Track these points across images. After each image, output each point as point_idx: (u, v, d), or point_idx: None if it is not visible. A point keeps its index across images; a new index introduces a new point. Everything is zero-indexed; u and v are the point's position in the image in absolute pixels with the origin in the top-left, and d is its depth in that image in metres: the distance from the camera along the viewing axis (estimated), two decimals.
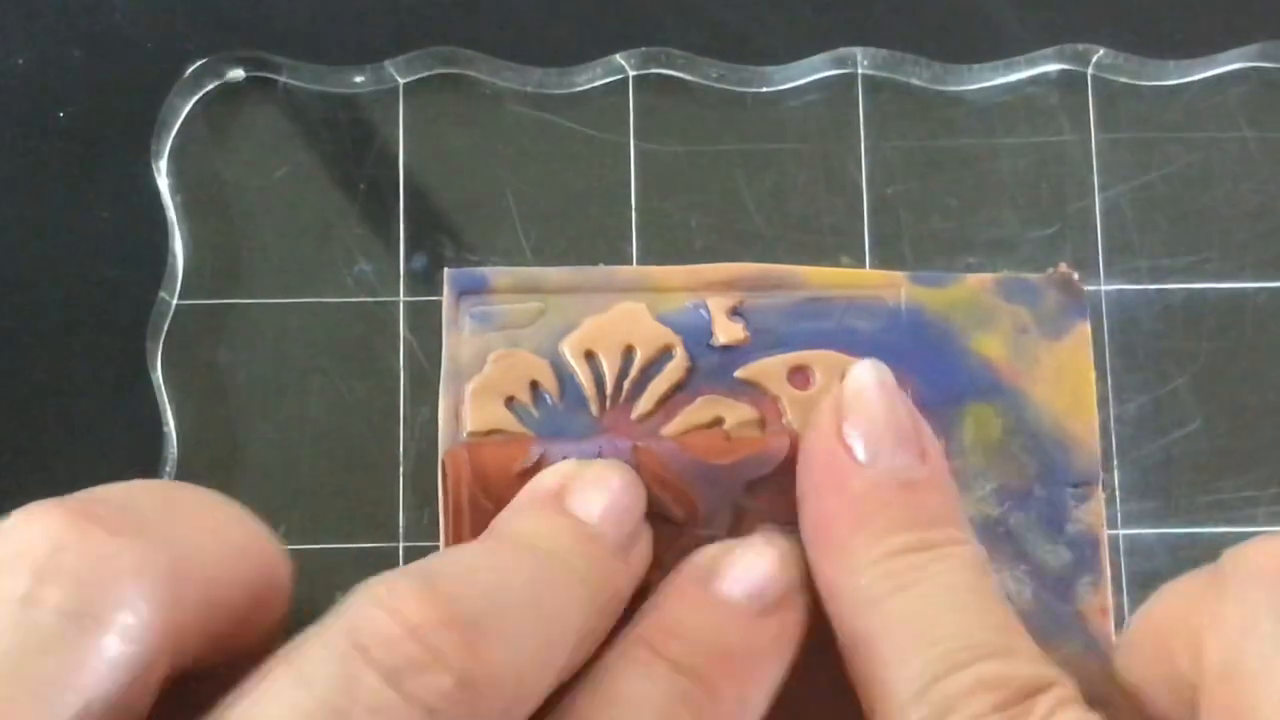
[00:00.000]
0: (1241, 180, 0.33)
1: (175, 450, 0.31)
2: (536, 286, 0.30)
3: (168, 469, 0.31)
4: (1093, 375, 0.30)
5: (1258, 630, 0.20)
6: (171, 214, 0.32)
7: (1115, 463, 0.31)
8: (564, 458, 0.27)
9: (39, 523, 0.18)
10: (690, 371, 0.30)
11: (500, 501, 0.26)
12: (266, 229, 0.32)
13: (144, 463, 0.31)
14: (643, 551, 0.25)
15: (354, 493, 0.31)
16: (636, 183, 0.33)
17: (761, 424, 0.29)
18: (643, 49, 0.33)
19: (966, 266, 0.32)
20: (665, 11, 0.33)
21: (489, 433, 0.29)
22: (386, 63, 0.33)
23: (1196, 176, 0.33)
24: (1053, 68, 0.33)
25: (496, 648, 0.20)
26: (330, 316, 0.32)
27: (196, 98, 0.33)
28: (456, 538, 0.27)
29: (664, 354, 0.30)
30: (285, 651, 0.19)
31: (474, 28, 0.33)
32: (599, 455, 0.27)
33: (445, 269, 0.31)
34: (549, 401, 0.29)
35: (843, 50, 0.33)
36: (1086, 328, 0.30)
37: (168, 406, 0.31)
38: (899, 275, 0.31)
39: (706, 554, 0.25)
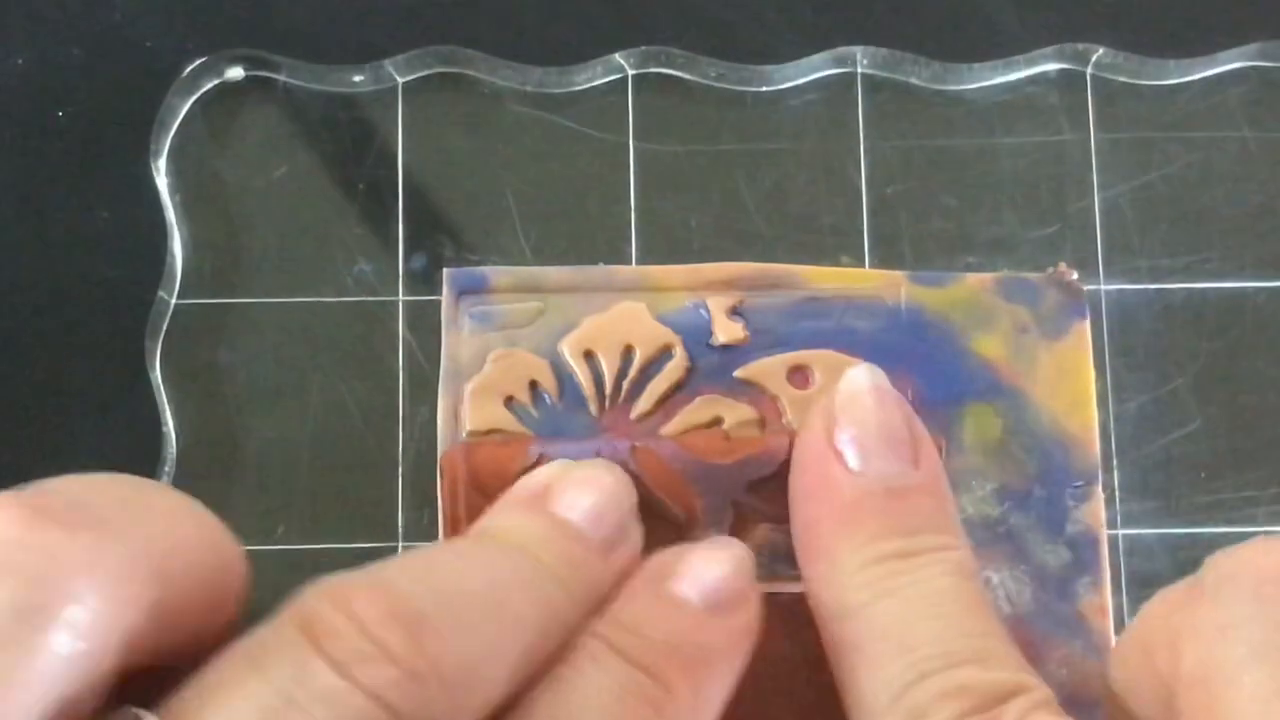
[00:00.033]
0: (1241, 180, 0.33)
1: (175, 450, 0.31)
2: (536, 286, 0.30)
3: (167, 469, 0.31)
4: (1092, 375, 0.30)
5: (1232, 635, 0.21)
6: (171, 214, 0.32)
7: (1115, 463, 0.31)
8: (562, 458, 0.27)
9: None
10: (690, 371, 0.30)
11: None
12: (266, 229, 0.32)
13: (143, 462, 0.31)
14: (629, 550, 0.25)
15: (353, 493, 0.31)
16: (636, 182, 0.33)
17: (761, 424, 0.29)
18: (643, 48, 0.33)
19: (966, 266, 0.32)
20: (665, 11, 0.33)
21: (488, 432, 0.29)
22: (386, 62, 0.33)
23: (1196, 176, 0.33)
24: (1052, 67, 0.33)
25: (443, 642, 0.20)
26: (330, 316, 0.32)
27: (196, 97, 0.33)
28: (452, 538, 0.27)
29: (663, 354, 0.30)
30: (239, 643, 0.19)
31: (474, 27, 0.33)
32: (598, 456, 0.27)
33: (445, 269, 0.31)
34: (548, 401, 0.29)
35: (842, 50, 0.33)
36: (1086, 327, 0.30)
37: (167, 406, 0.31)
38: (899, 275, 0.31)
39: (664, 556, 0.25)
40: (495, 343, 0.30)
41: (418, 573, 0.21)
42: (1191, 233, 0.33)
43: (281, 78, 0.33)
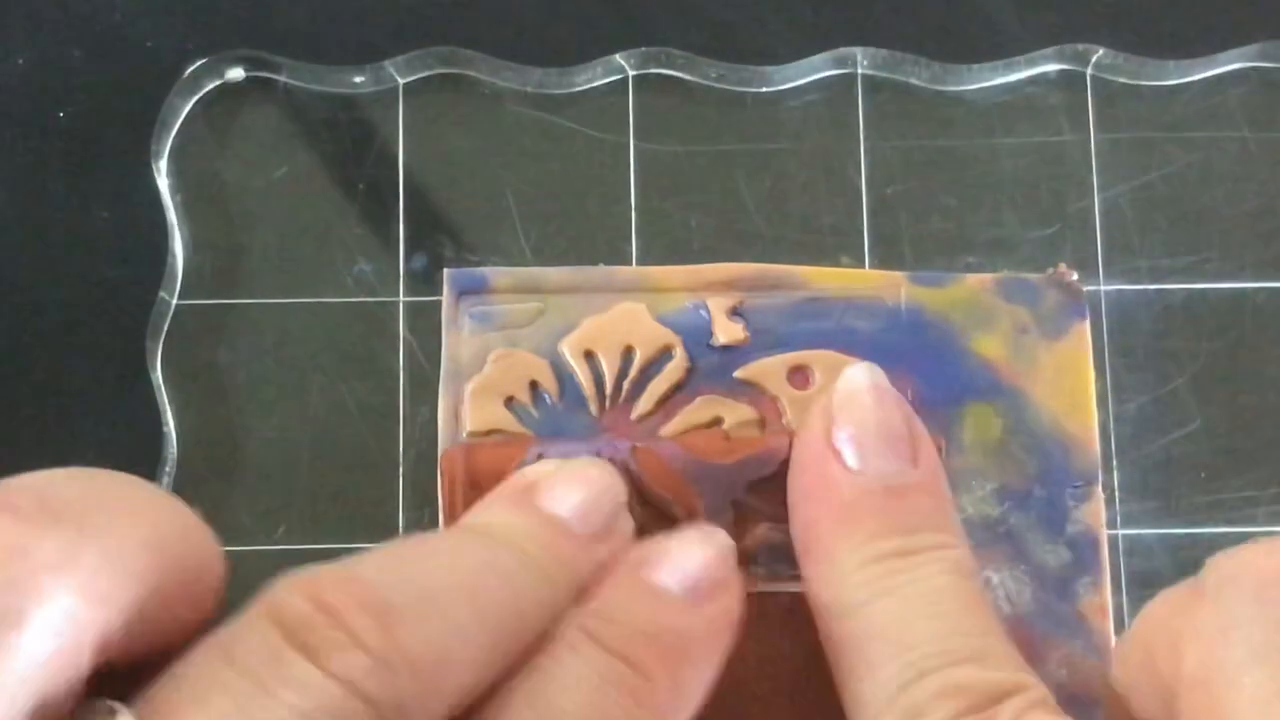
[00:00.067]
0: (1241, 180, 0.33)
1: (175, 450, 0.31)
2: (536, 286, 0.30)
3: (167, 469, 0.31)
4: (1092, 375, 0.30)
5: (1232, 636, 0.21)
6: (171, 214, 0.32)
7: (1115, 463, 0.31)
8: (562, 459, 0.27)
9: None
10: (690, 371, 0.30)
11: None
12: (266, 229, 0.32)
13: (143, 463, 0.31)
14: (618, 543, 0.25)
15: (354, 493, 0.31)
16: (636, 183, 0.33)
17: (761, 424, 0.29)
18: (643, 49, 0.33)
19: (966, 266, 0.32)
20: (665, 11, 0.33)
21: (488, 433, 0.29)
22: (386, 63, 0.33)
23: (1196, 176, 0.33)
24: (1052, 68, 0.33)
25: (413, 630, 0.20)
26: (330, 316, 0.32)
27: (196, 98, 0.33)
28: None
29: (664, 354, 0.30)
30: (212, 636, 0.19)
31: (474, 28, 0.33)
32: (598, 456, 0.27)
33: (445, 269, 0.31)
34: (548, 401, 0.29)
35: (842, 50, 0.33)
36: (1086, 328, 0.30)
37: (167, 406, 0.31)
38: (899, 275, 0.31)
39: (645, 545, 0.25)
40: (495, 343, 0.30)
41: (389, 564, 0.21)
42: (1191, 233, 0.33)
43: (282, 78, 0.33)
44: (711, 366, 0.30)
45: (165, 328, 0.32)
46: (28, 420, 0.31)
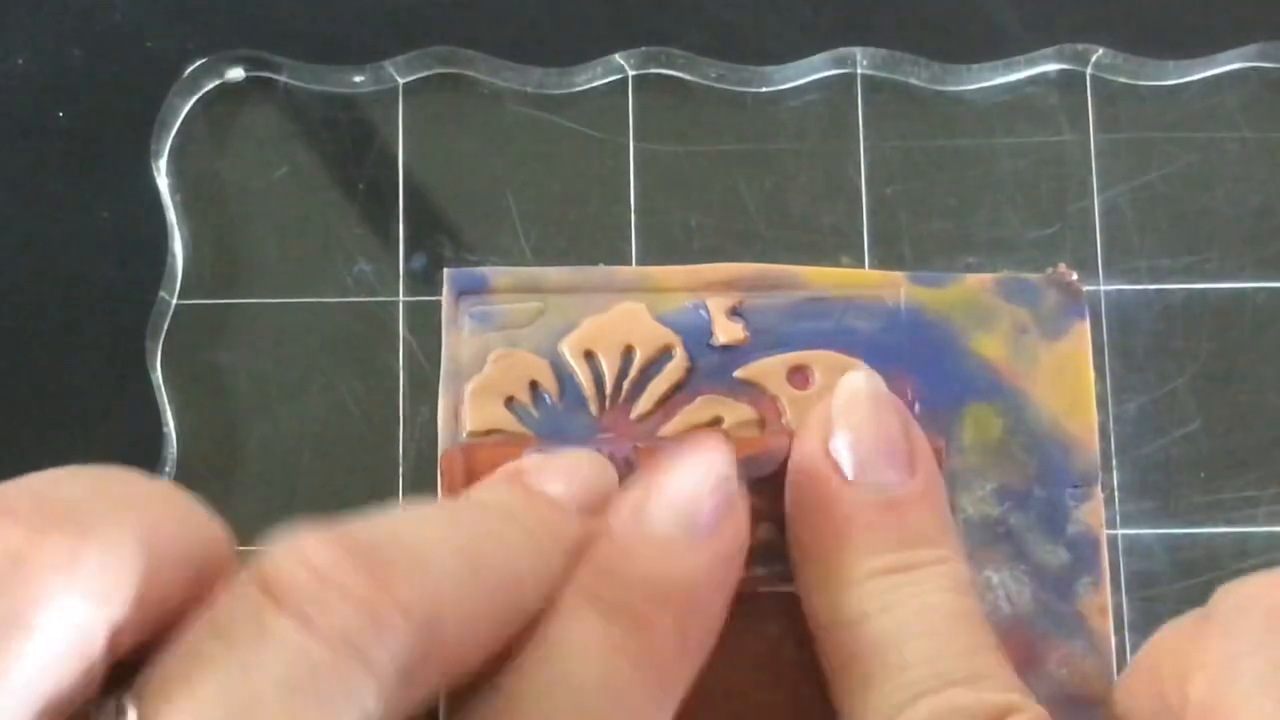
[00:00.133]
0: (1241, 180, 0.33)
1: (175, 450, 0.31)
2: (536, 286, 0.30)
3: (167, 469, 0.31)
4: (1092, 375, 0.30)
5: (1241, 665, 0.21)
6: (171, 214, 0.32)
7: (1114, 463, 0.31)
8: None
9: None
10: (690, 371, 0.30)
11: None
12: (266, 229, 0.32)
13: (143, 463, 0.31)
14: None
15: (354, 493, 0.31)
16: (636, 183, 0.33)
17: (761, 424, 0.29)
18: (643, 49, 0.33)
19: (966, 266, 0.32)
20: (665, 11, 0.33)
21: (488, 433, 0.29)
22: (386, 63, 0.33)
23: (1196, 176, 0.33)
24: (1052, 68, 0.33)
25: (405, 579, 0.19)
26: (330, 316, 0.32)
27: (196, 97, 0.33)
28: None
29: (664, 354, 0.30)
30: (204, 613, 0.19)
31: (474, 28, 0.33)
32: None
33: (445, 269, 0.31)
34: (548, 401, 0.29)
35: (842, 50, 0.33)
36: (1086, 328, 0.30)
37: (167, 406, 0.31)
38: (899, 275, 0.31)
39: (641, 484, 0.24)
40: (495, 343, 0.30)
41: (379, 523, 0.21)
42: (1191, 233, 0.33)
43: (282, 78, 0.33)
44: (711, 366, 0.30)
45: (165, 327, 0.32)
46: (28, 420, 0.31)
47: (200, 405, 0.31)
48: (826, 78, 0.33)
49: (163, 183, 0.32)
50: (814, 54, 0.33)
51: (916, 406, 0.29)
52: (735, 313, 0.30)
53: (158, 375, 0.31)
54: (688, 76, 0.33)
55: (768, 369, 0.30)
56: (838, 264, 0.32)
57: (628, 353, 0.30)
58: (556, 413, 0.29)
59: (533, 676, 0.22)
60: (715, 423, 0.29)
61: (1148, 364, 0.32)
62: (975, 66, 0.33)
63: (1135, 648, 0.30)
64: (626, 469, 0.27)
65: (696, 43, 0.33)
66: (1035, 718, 0.23)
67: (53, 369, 0.31)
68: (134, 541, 0.19)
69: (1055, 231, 0.32)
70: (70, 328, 0.32)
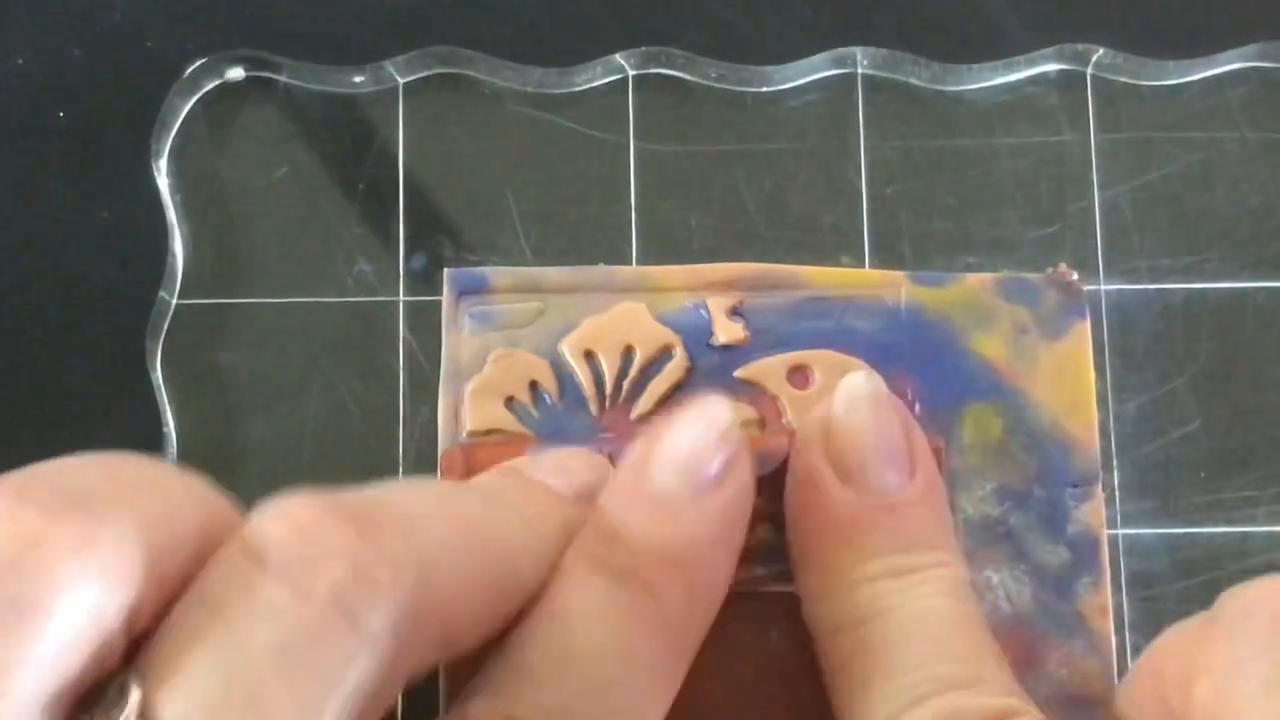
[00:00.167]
0: (1241, 180, 0.33)
1: (175, 450, 0.31)
2: (536, 286, 0.30)
3: None
4: (1092, 375, 0.30)
5: (1246, 669, 0.21)
6: (171, 214, 0.32)
7: (1115, 463, 0.31)
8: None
9: None
10: (690, 371, 0.30)
11: None
12: (266, 229, 0.32)
13: None
14: None
15: None
16: (636, 183, 0.33)
17: (761, 424, 0.29)
18: (643, 49, 0.33)
19: (966, 266, 0.32)
20: (665, 11, 0.33)
21: (488, 432, 0.29)
22: (386, 63, 0.33)
23: (1196, 176, 0.33)
24: (1052, 68, 0.33)
25: (391, 536, 0.19)
26: (330, 316, 0.32)
27: (196, 97, 0.33)
28: None
29: (664, 354, 0.30)
30: (195, 584, 0.19)
31: (474, 28, 0.33)
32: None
33: (445, 269, 0.31)
34: (548, 401, 0.29)
35: (842, 50, 0.33)
36: (1086, 327, 0.30)
37: (167, 406, 0.31)
38: (899, 275, 0.31)
39: (641, 441, 0.24)
40: (495, 343, 0.30)
41: (365, 490, 0.21)
42: (1191, 233, 0.33)
43: (282, 78, 0.33)
44: (711, 366, 0.30)
45: (165, 327, 0.32)
46: (28, 420, 0.31)
47: (200, 405, 0.31)
48: (826, 78, 0.33)
49: (163, 183, 0.32)
50: (814, 54, 0.33)
51: (916, 406, 0.29)
52: (735, 312, 0.30)
53: (158, 375, 0.31)
54: (688, 76, 0.33)
55: (768, 369, 0.30)
56: (838, 264, 0.32)
57: (628, 353, 0.30)
58: (556, 413, 0.29)
59: (544, 645, 0.22)
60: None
61: (1148, 364, 0.32)
62: (975, 66, 0.33)
63: (1135, 648, 0.30)
64: None
65: (696, 43, 0.33)
66: None
67: (53, 369, 0.31)
68: (147, 524, 0.19)
69: (1055, 231, 0.32)
70: (70, 328, 0.32)
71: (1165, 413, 0.32)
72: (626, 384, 0.29)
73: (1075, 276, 0.31)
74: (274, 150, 0.33)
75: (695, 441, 0.24)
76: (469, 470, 0.28)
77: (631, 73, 0.33)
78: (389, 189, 0.33)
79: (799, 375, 0.30)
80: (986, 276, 0.31)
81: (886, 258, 0.32)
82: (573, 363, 0.30)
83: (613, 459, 0.27)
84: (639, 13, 0.33)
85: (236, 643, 0.18)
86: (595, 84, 0.33)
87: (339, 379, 0.32)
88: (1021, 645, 0.28)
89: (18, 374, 0.31)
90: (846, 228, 0.32)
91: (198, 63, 0.33)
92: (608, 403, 0.29)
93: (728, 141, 0.33)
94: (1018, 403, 0.30)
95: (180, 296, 0.32)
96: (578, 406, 0.29)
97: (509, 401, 0.29)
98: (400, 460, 0.31)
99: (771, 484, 0.27)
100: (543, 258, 0.32)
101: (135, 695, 0.18)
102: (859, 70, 0.33)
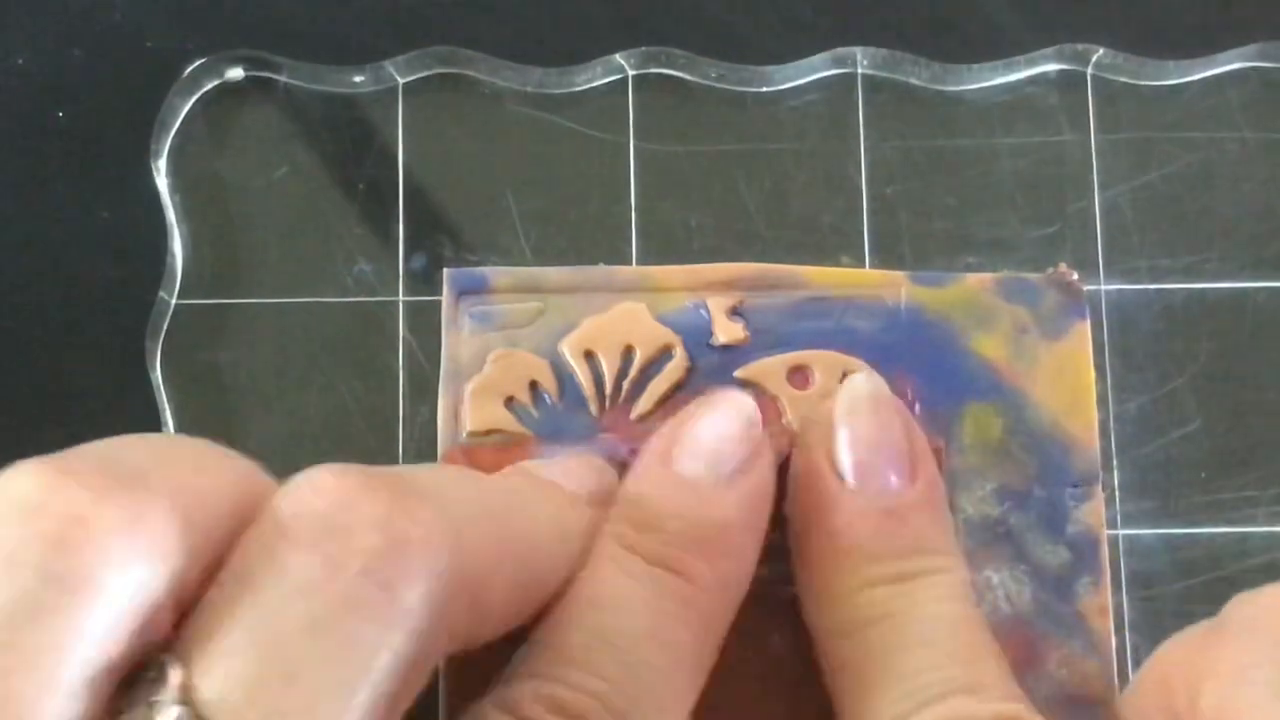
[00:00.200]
0: (1241, 180, 0.33)
1: None
2: (536, 286, 0.30)
3: None
4: (1092, 375, 0.30)
5: (1253, 675, 0.21)
6: (171, 214, 0.32)
7: (1115, 463, 0.31)
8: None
9: (17, 484, 0.18)
10: (690, 371, 0.30)
11: None
12: (266, 229, 0.32)
13: None
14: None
15: None
16: (636, 183, 0.33)
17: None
18: (643, 49, 0.33)
19: (966, 266, 0.32)
20: (665, 11, 0.33)
21: (488, 433, 0.29)
22: (386, 63, 0.33)
23: (1196, 176, 0.33)
24: (1052, 68, 0.33)
25: (425, 506, 0.19)
26: (330, 316, 0.32)
27: (196, 97, 0.33)
28: None
29: (664, 354, 0.30)
30: (229, 561, 0.19)
31: (474, 28, 0.33)
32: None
33: (445, 269, 0.31)
34: (548, 401, 0.29)
35: (842, 50, 0.33)
36: (1086, 328, 0.30)
37: (167, 406, 0.31)
38: (899, 275, 0.31)
39: (663, 431, 0.25)
40: (495, 343, 0.30)
41: (392, 468, 0.21)
42: (1191, 233, 0.33)
43: (282, 78, 0.33)
44: (711, 366, 0.30)
45: (165, 327, 0.32)
46: (28, 420, 0.31)
47: (200, 405, 0.31)
48: (826, 78, 0.33)
49: (163, 183, 0.32)
50: (814, 54, 0.33)
51: (916, 406, 0.29)
52: (735, 312, 0.30)
53: (157, 375, 0.31)
54: (688, 76, 0.33)
55: (768, 369, 0.30)
56: (838, 264, 0.32)
57: (628, 353, 0.30)
58: (556, 413, 0.29)
59: (583, 627, 0.22)
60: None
61: (1148, 364, 0.32)
62: (975, 66, 0.33)
63: (1135, 648, 0.30)
64: (624, 473, 0.27)
65: (696, 43, 0.33)
66: None
67: (53, 369, 0.31)
68: (192, 502, 0.18)
69: (1055, 231, 0.32)
70: (70, 328, 0.32)
71: (1165, 413, 0.32)
72: (626, 384, 0.29)
73: (1075, 276, 0.31)
74: (274, 150, 0.33)
75: (721, 430, 0.25)
76: None
77: (631, 73, 0.33)
78: (389, 189, 0.33)
79: (799, 375, 0.30)
80: (986, 276, 0.31)
81: (886, 258, 0.32)
82: (573, 363, 0.30)
83: (611, 460, 0.27)
84: (639, 13, 0.33)
85: (270, 618, 0.18)
86: (595, 84, 0.33)
87: (339, 379, 0.32)
88: (1021, 645, 0.28)
89: (18, 374, 0.31)
90: (846, 228, 0.32)
91: (198, 63, 0.33)
92: (608, 403, 0.29)
93: (728, 141, 0.33)
94: (1018, 403, 0.30)
95: (180, 296, 0.32)
96: (578, 406, 0.29)
97: (509, 401, 0.29)
98: (400, 460, 0.31)
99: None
100: (543, 258, 0.32)
101: (176, 676, 0.17)
102: (859, 70, 0.33)
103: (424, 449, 0.31)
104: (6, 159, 0.33)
